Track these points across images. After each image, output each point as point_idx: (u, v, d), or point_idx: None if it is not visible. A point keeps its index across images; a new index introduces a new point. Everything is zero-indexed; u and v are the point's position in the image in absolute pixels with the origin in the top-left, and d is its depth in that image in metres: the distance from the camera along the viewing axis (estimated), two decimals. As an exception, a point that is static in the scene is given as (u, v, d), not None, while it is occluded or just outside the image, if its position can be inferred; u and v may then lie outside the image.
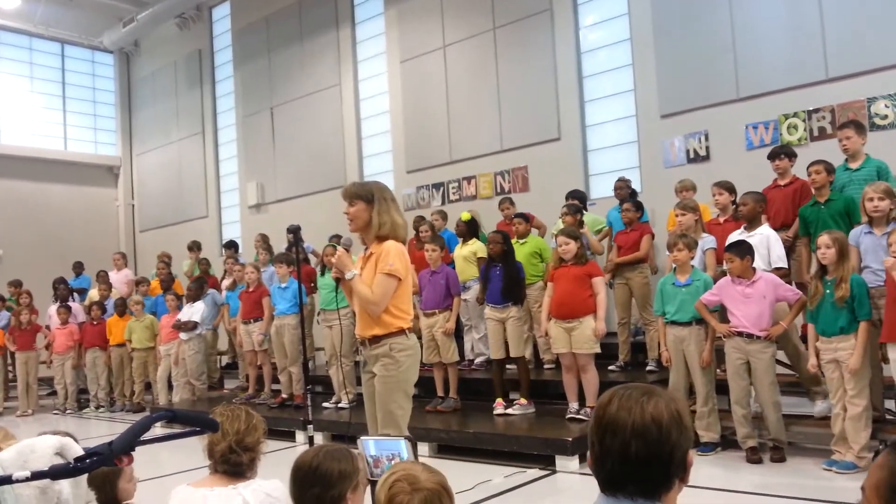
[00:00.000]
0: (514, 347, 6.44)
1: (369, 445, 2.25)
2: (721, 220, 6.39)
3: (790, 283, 5.59)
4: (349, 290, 3.80)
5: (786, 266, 5.60)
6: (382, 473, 2.11)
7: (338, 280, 3.85)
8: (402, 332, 3.75)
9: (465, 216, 7.85)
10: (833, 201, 5.61)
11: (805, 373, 5.49)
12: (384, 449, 2.23)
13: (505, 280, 6.49)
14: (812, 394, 5.57)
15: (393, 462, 2.14)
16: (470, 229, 7.78)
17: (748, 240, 5.54)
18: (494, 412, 6.40)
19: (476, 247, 7.63)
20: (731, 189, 6.36)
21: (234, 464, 2.36)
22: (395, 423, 3.72)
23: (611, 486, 1.39)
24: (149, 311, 10.15)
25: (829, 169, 5.67)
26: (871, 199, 4.98)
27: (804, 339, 5.91)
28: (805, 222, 5.78)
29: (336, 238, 8.41)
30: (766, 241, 5.55)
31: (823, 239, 4.88)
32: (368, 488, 2.23)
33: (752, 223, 5.69)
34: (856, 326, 4.77)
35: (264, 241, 9.77)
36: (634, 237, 6.91)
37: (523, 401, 6.40)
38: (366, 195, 3.77)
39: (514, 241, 7.26)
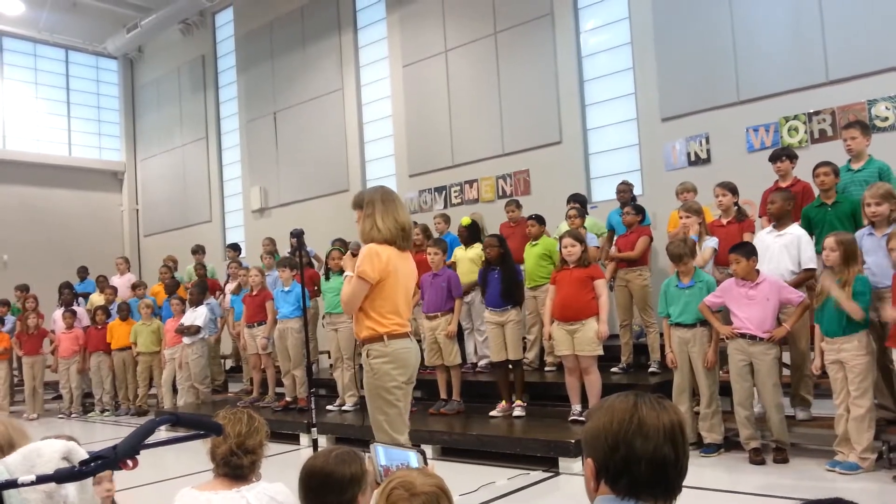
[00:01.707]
0: (511, 350, 6.46)
1: (380, 454, 2.26)
2: (724, 221, 6.39)
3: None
4: None
5: (816, 267, 5.51)
6: None
7: None
8: (378, 337, 3.74)
9: (466, 221, 7.88)
10: (839, 203, 5.59)
11: (802, 378, 5.51)
12: (394, 459, 2.24)
13: (504, 283, 6.51)
14: (798, 399, 5.56)
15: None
16: (472, 234, 7.80)
17: (778, 239, 5.54)
18: (490, 414, 6.43)
19: (480, 250, 7.66)
20: (734, 190, 6.36)
21: (235, 466, 2.38)
22: (381, 428, 3.77)
23: (634, 491, 1.40)
24: (155, 315, 10.21)
25: (836, 171, 5.67)
26: (869, 205, 5.01)
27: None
28: (809, 223, 5.77)
29: (339, 242, 8.44)
30: (798, 242, 5.49)
31: (829, 241, 4.91)
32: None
33: (781, 222, 5.62)
34: (857, 327, 4.78)
35: (272, 244, 9.81)
36: (633, 240, 6.93)
37: (520, 402, 6.43)
38: (360, 202, 3.89)
39: (530, 243, 7.27)
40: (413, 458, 2.21)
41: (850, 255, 4.83)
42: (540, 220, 7.32)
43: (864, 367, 4.74)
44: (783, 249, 5.51)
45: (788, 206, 5.64)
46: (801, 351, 5.53)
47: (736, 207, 6.40)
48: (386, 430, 3.75)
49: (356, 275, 3.71)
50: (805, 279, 5.48)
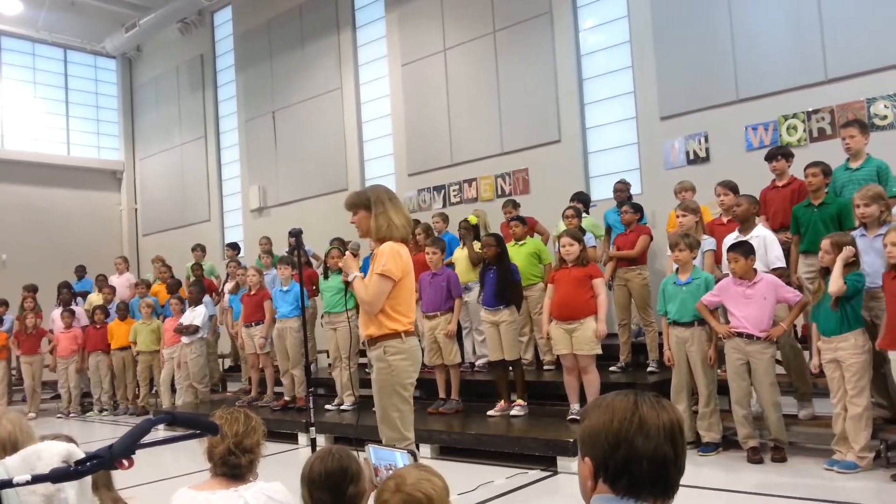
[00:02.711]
0: (507, 350, 6.46)
1: (371, 454, 2.30)
2: (724, 220, 6.37)
3: (788, 282, 5.60)
4: None
5: (784, 265, 5.61)
6: (380, 481, 2.18)
7: (347, 283, 3.92)
8: (397, 334, 3.78)
9: (472, 220, 7.93)
10: (827, 205, 5.63)
11: (798, 375, 5.51)
12: (382, 459, 2.28)
13: (498, 283, 6.52)
14: (800, 395, 5.58)
15: (391, 471, 2.19)
16: (474, 232, 7.84)
17: None
18: (488, 413, 6.43)
19: (478, 249, 7.68)
20: (735, 189, 6.33)
21: (233, 466, 2.38)
22: (392, 425, 3.78)
23: (634, 490, 1.39)
24: (156, 315, 10.21)
25: (826, 171, 5.68)
26: (858, 206, 5.08)
27: (801, 339, 5.96)
28: (796, 221, 5.80)
29: (338, 241, 8.45)
30: (763, 242, 5.57)
31: (825, 243, 4.95)
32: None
33: (746, 225, 5.70)
34: (853, 326, 4.80)
35: (269, 243, 9.82)
36: (633, 239, 6.93)
37: (520, 401, 6.43)
38: (364, 202, 3.88)
39: (511, 243, 7.28)
40: (399, 459, 2.23)
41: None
42: (522, 220, 7.42)
43: (861, 366, 4.75)
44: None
45: (754, 209, 5.74)
46: (794, 347, 5.55)
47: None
48: (398, 426, 3.76)
49: (380, 273, 3.71)
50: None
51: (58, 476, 1.40)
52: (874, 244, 4.97)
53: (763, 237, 5.60)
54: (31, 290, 11.22)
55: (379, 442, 3.73)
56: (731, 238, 5.69)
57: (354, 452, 2.30)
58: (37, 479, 1.38)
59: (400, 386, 3.79)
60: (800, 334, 6.09)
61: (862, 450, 4.71)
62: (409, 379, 3.83)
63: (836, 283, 4.74)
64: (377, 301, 3.75)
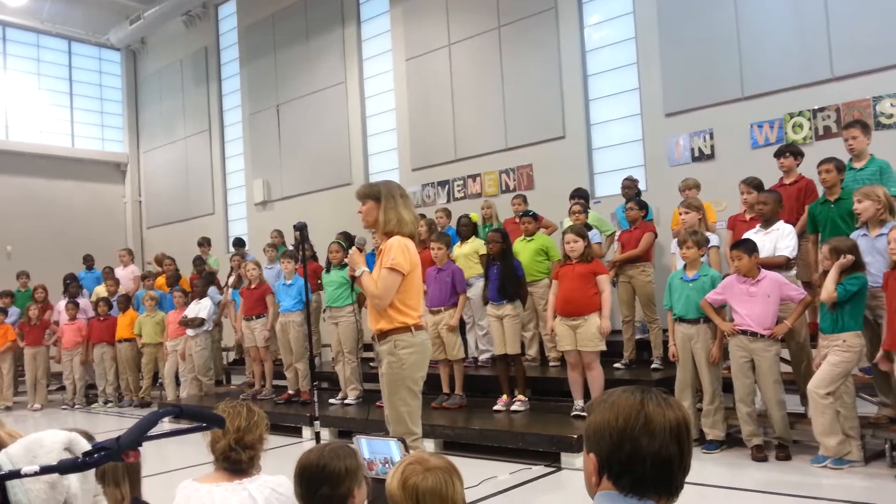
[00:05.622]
0: (509, 344, 6.48)
1: (363, 446, 2.28)
2: (747, 217, 6.25)
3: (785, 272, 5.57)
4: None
5: (788, 256, 5.51)
6: (377, 475, 2.16)
7: (353, 277, 3.92)
8: (407, 328, 3.78)
9: (475, 217, 7.95)
10: (843, 201, 5.56)
11: (804, 373, 5.51)
12: (376, 451, 2.26)
13: (501, 278, 6.52)
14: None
15: (386, 465, 2.18)
16: (473, 229, 7.87)
17: (766, 236, 5.55)
18: (494, 409, 6.43)
19: (478, 244, 7.68)
20: (759, 187, 6.21)
21: (234, 461, 2.37)
22: (401, 420, 3.78)
23: (637, 488, 1.38)
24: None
25: (840, 167, 5.63)
26: (853, 204, 5.10)
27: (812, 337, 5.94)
28: (813, 220, 5.76)
29: (342, 235, 8.45)
30: (780, 234, 5.55)
31: (824, 249, 4.98)
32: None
33: (768, 221, 5.65)
34: (847, 327, 4.82)
35: (280, 236, 9.82)
36: (638, 235, 6.93)
37: (521, 397, 6.44)
38: (374, 194, 3.88)
39: (521, 238, 7.28)
40: (394, 449, 2.22)
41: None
42: (534, 216, 7.40)
43: (840, 361, 4.77)
44: (772, 245, 5.54)
45: (779, 207, 5.71)
46: (801, 346, 5.54)
47: None
48: (405, 421, 3.76)
49: (390, 266, 3.72)
50: (773, 263, 5.45)
51: (66, 467, 1.40)
52: (876, 244, 4.98)
53: (781, 229, 5.58)
54: (25, 275, 11.55)
55: (377, 434, 3.73)
56: (751, 234, 5.67)
57: (353, 447, 2.28)
58: (45, 471, 1.38)
59: (410, 380, 3.80)
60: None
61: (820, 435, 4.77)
62: (420, 373, 3.84)
63: (826, 291, 4.79)
64: (387, 295, 3.75)
